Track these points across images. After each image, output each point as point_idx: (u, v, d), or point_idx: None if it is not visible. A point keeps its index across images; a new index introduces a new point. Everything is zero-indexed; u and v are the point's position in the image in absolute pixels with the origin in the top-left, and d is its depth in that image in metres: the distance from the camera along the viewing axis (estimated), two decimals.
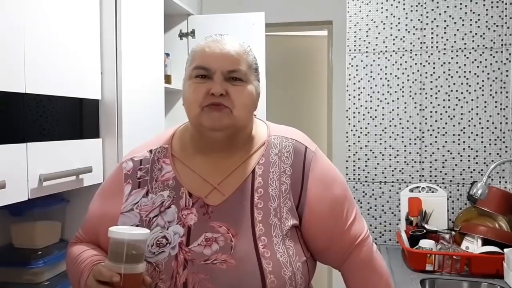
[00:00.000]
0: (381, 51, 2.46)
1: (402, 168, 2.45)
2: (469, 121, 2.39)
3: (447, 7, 2.40)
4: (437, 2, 2.41)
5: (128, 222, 1.04)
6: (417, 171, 2.44)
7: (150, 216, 1.04)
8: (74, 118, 1.47)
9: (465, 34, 2.39)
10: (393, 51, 2.45)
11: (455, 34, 2.40)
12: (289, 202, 1.05)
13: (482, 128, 2.38)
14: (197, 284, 0.97)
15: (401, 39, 2.44)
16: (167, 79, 2.34)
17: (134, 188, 1.07)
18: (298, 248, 1.04)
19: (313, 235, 1.07)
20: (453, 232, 2.22)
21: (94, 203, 1.14)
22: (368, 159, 2.49)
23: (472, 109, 2.39)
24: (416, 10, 2.43)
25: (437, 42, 2.41)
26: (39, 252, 1.50)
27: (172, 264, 0.99)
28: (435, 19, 2.41)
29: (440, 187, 2.41)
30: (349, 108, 2.50)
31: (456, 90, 2.40)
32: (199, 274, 0.97)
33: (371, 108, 2.48)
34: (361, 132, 2.49)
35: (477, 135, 2.38)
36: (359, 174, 2.49)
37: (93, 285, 0.90)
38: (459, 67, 2.40)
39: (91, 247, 1.10)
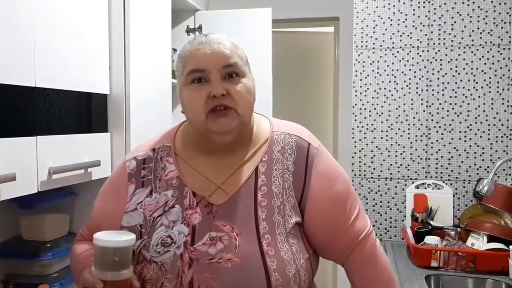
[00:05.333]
0: (388, 48, 2.46)
1: (408, 165, 2.45)
2: (476, 118, 2.39)
3: (455, 3, 2.39)
4: None
5: (132, 221, 1.04)
6: (423, 167, 2.44)
7: (154, 216, 1.04)
8: (83, 112, 1.48)
9: (473, 30, 2.38)
10: (400, 47, 2.45)
11: (462, 31, 2.39)
12: (292, 200, 1.05)
13: (489, 125, 2.37)
14: (202, 283, 0.97)
15: (408, 35, 2.44)
16: (174, 74, 2.36)
17: (137, 187, 1.07)
18: (301, 245, 1.05)
19: (316, 231, 1.07)
20: (458, 229, 2.22)
21: (98, 201, 1.14)
22: (374, 155, 2.49)
23: (479, 106, 2.38)
24: (424, 7, 2.42)
25: (444, 39, 2.41)
26: (48, 245, 1.51)
27: (177, 263, 0.99)
28: (442, 15, 2.41)
29: (446, 183, 2.41)
30: (356, 104, 2.51)
31: (463, 87, 2.40)
32: (205, 273, 0.97)
33: (377, 104, 2.48)
34: (367, 129, 2.49)
35: (483, 132, 2.38)
36: (365, 171, 2.50)
37: None
38: (466, 64, 2.39)
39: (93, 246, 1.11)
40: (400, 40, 2.45)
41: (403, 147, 2.46)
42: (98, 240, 0.90)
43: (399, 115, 2.46)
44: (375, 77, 2.48)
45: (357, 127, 2.50)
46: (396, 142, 2.47)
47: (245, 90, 1.02)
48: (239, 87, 1.01)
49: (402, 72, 2.45)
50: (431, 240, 2.07)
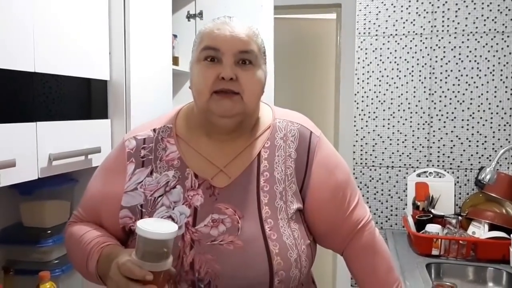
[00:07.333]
0: (391, 35, 2.44)
1: (410, 153, 2.44)
2: (479, 106, 2.37)
3: None
4: None
5: (132, 201, 1.04)
6: (425, 156, 2.43)
7: (155, 196, 1.03)
8: (83, 98, 1.47)
9: (477, 17, 2.35)
10: (403, 34, 2.43)
11: (466, 18, 2.36)
12: (294, 186, 1.05)
13: (492, 113, 2.36)
14: (204, 264, 0.97)
15: (411, 22, 2.41)
16: (175, 60, 2.33)
17: (137, 167, 1.06)
18: (303, 231, 1.05)
19: (315, 219, 1.07)
20: (460, 217, 2.22)
21: (95, 182, 1.13)
22: (376, 143, 2.48)
23: (481, 94, 2.37)
24: None
25: (447, 26, 2.38)
26: (48, 231, 1.51)
27: (178, 244, 0.98)
28: (446, 2, 2.38)
29: (448, 172, 2.40)
30: (358, 92, 2.49)
31: (466, 75, 2.38)
32: (206, 255, 0.97)
33: (379, 92, 2.46)
34: (369, 117, 2.48)
35: (486, 120, 2.36)
36: (366, 159, 2.49)
37: (122, 282, 0.87)
38: (470, 51, 2.37)
39: (93, 227, 1.09)
40: (403, 27, 2.42)
41: (405, 135, 2.45)
42: (148, 233, 0.86)
43: (401, 103, 2.44)
44: (378, 65, 2.46)
45: (359, 115, 2.49)
46: (398, 130, 2.45)
47: (255, 80, 1.01)
48: (249, 75, 1.00)
49: (405, 60, 2.43)
50: (432, 228, 2.07)
